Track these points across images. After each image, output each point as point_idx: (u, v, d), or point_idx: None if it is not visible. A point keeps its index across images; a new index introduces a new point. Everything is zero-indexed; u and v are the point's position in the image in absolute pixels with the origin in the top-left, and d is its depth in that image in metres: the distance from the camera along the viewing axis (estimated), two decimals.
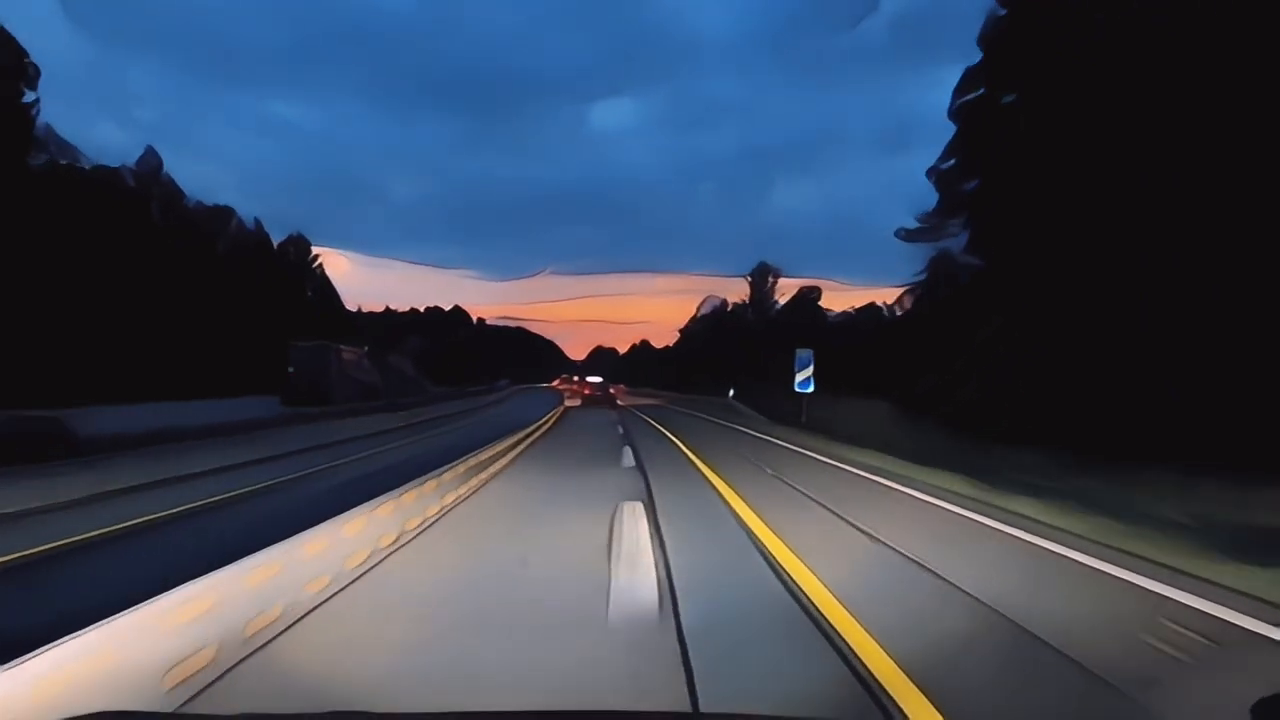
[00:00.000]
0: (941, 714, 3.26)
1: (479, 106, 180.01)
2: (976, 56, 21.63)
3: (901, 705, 3.34)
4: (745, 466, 13.47)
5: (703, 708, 3.47)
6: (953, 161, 23.80)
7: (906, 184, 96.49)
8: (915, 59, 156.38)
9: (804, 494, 10.10)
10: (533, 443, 17.57)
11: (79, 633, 2.81)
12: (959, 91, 22.57)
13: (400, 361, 49.43)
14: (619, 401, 44.15)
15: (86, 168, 56.13)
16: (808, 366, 25.97)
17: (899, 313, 50.38)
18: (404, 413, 28.08)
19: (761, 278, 59.98)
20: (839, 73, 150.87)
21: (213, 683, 3.50)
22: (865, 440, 18.04)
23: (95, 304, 44.92)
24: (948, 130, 23.72)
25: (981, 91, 21.88)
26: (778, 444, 18.13)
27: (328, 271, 77.11)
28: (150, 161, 61.39)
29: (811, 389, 25.92)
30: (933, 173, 25.09)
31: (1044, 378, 25.11)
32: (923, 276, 41.87)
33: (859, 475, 12.28)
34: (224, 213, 65.72)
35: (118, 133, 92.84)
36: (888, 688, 3.53)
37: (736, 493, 10.06)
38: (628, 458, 14.64)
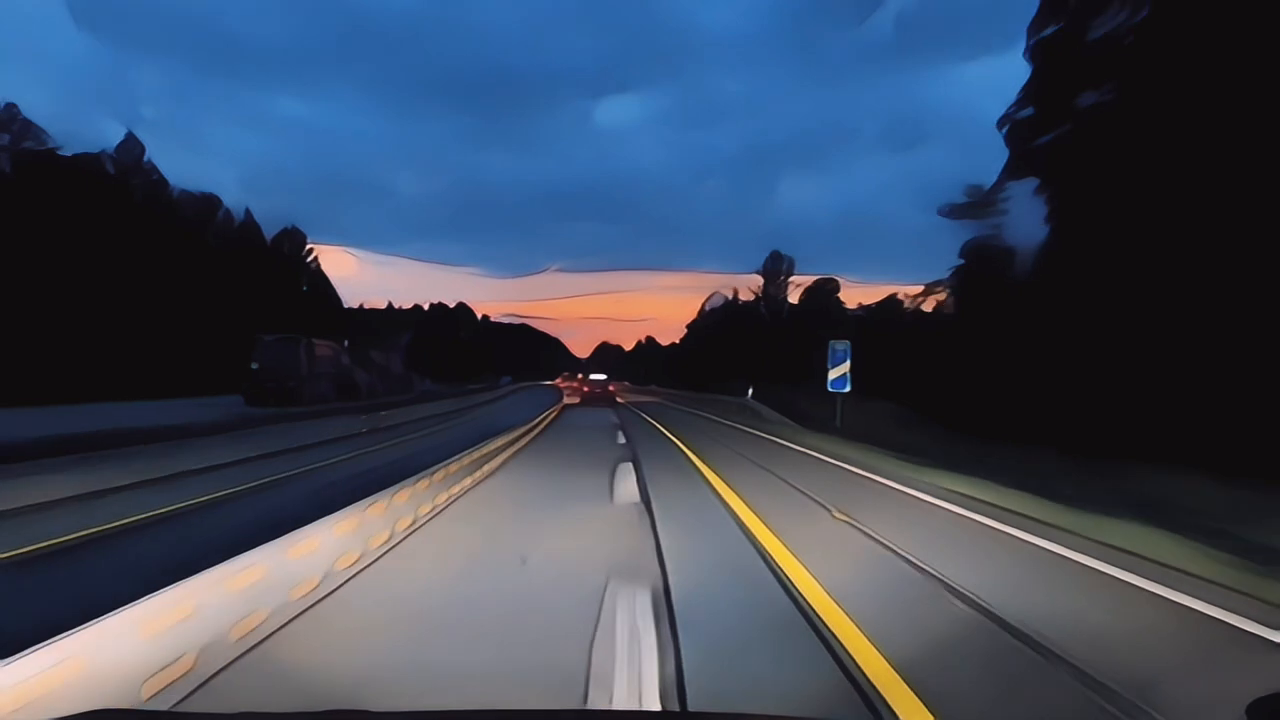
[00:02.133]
0: None
1: (485, 103, 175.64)
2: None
3: None
4: (799, 502, 9.07)
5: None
6: (1029, 110, 19.24)
7: (915, 180, 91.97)
8: (923, 55, 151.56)
9: (930, 574, 5.64)
10: (510, 457, 13.27)
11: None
12: (1036, 25, 18.09)
13: (387, 358, 45.09)
14: (619, 399, 42.53)
15: (57, 153, 52.35)
16: (844, 362, 21.52)
17: (923, 306, 45.88)
18: (370, 415, 23.70)
19: (774, 270, 55.14)
20: (846, 69, 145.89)
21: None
22: (932, 455, 13.62)
23: (66, 296, 40.99)
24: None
25: (1062, 25, 17.39)
26: (823, 460, 13.68)
27: (335, 268, 73.43)
28: (131, 148, 57.34)
29: (848, 388, 21.50)
30: (1005, 122, 20.55)
31: (1126, 373, 20.62)
32: (959, 263, 37.50)
33: (981, 524, 7.80)
34: (210, 201, 61.59)
35: (123, 130, 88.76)
36: None
37: (803, 564, 5.65)
38: (628, 486, 10.24)
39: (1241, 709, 1.54)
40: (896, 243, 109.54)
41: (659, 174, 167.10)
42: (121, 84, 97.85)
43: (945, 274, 43.89)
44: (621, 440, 17.36)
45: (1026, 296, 26.13)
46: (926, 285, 44.99)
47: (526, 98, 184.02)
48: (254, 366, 29.84)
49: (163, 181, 58.05)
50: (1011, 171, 21.01)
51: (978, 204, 24.88)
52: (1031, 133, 18.84)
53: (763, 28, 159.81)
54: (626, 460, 13.18)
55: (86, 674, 2.70)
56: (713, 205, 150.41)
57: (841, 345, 21.81)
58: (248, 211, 65.77)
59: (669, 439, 17.98)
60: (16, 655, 2.48)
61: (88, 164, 52.98)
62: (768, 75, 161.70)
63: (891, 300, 49.98)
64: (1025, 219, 23.19)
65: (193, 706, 3.16)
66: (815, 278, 60.82)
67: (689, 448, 15.51)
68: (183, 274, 49.69)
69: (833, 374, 21.51)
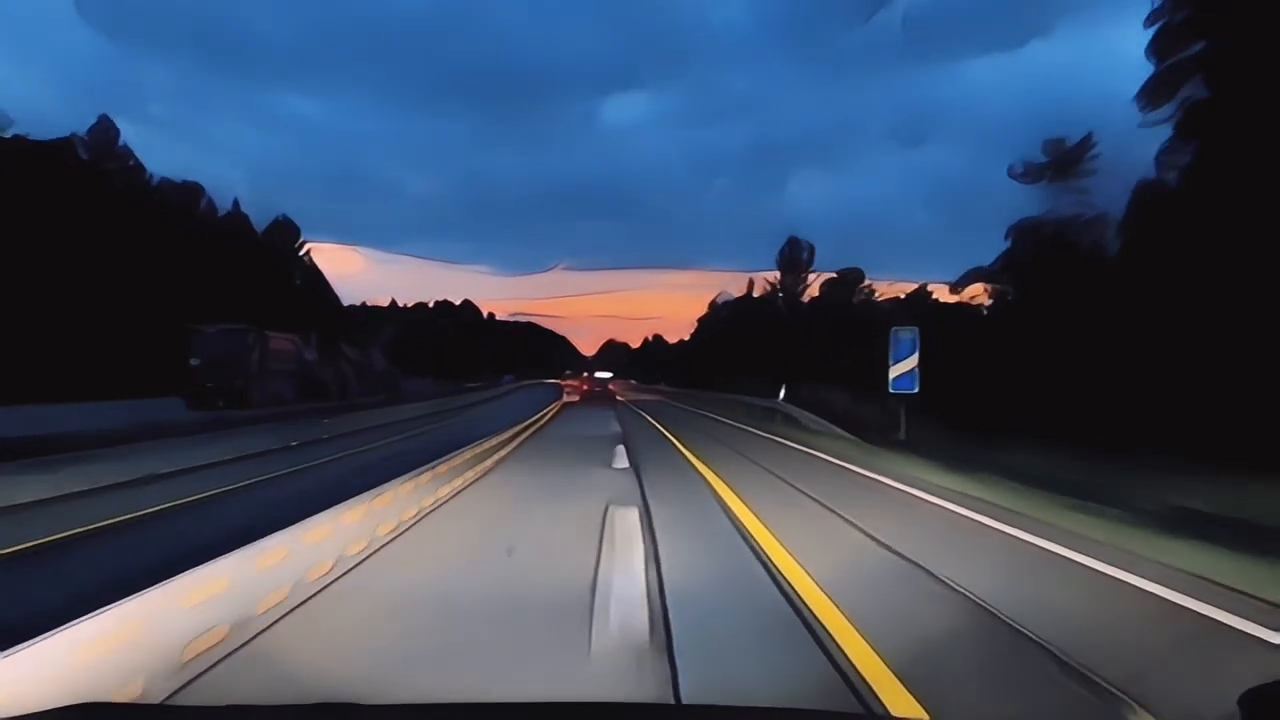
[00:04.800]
0: None
1: (492, 101, 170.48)
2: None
3: None
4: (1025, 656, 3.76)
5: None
6: (1183, 13, 13.76)
7: (926, 178, 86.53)
8: (931, 51, 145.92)
9: None
10: (445, 500, 8.13)
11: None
12: None
13: (366, 354, 39.85)
14: (626, 399, 40.91)
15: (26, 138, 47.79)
16: (910, 355, 16.22)
17: (961, 298, 40.49)
18: (304, 425, 18.50)
19: (793, 259, 49.11)
20: (854, 66, 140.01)
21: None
22: (1125, 504, 8.29)
23: (27, 289, 36.30)
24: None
25: None
26: (950, 513, 8.33)
27: (341, 266, 69.25)
28: (105, 131, 52.36)
29: (916, 389, 16.21)
30: (1156, 18, 15.02)
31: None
32: (1006, 247, 32.23)
33: None
34: (192, 190, 56.57)
35: (131, 129, 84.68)
36: None
37: None
38: (629, 589, 4.97)
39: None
40: (907, 240, 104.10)
41: (666, 172, 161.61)
42: (128, 81, 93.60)
43: (963, 266, 38.86)
44: (622, 463, 12.04)
45: (1116, 273, 20.81)
46: (966, 272, 39.64)
47: (534, 95, 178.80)
48: (193, 363, 24.71)
49: (139, 167, 53.04)
50: (1151, 94, 15.57)
51: (1061, 161, 19.55)
52: (1182, 39, 13.42)
53: (769, 25, 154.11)
54: (629, 505, 7.94)
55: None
56: (720, 203, 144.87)
57: (907, 333, 16.51)
58: (235, 202, 60.76)
59: (690, 462, 12.65)
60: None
61: (57, 148, 48.17)
62: (775, 73, 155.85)
63: (921, 292, 44.54)
64: (1121, 179, 17.77)
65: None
66: (829, 274, 55.26)
67: (725, 481, 10.18)
68: (160, 265, 44.80)
69: (895, 370, 16.20)
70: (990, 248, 34.29)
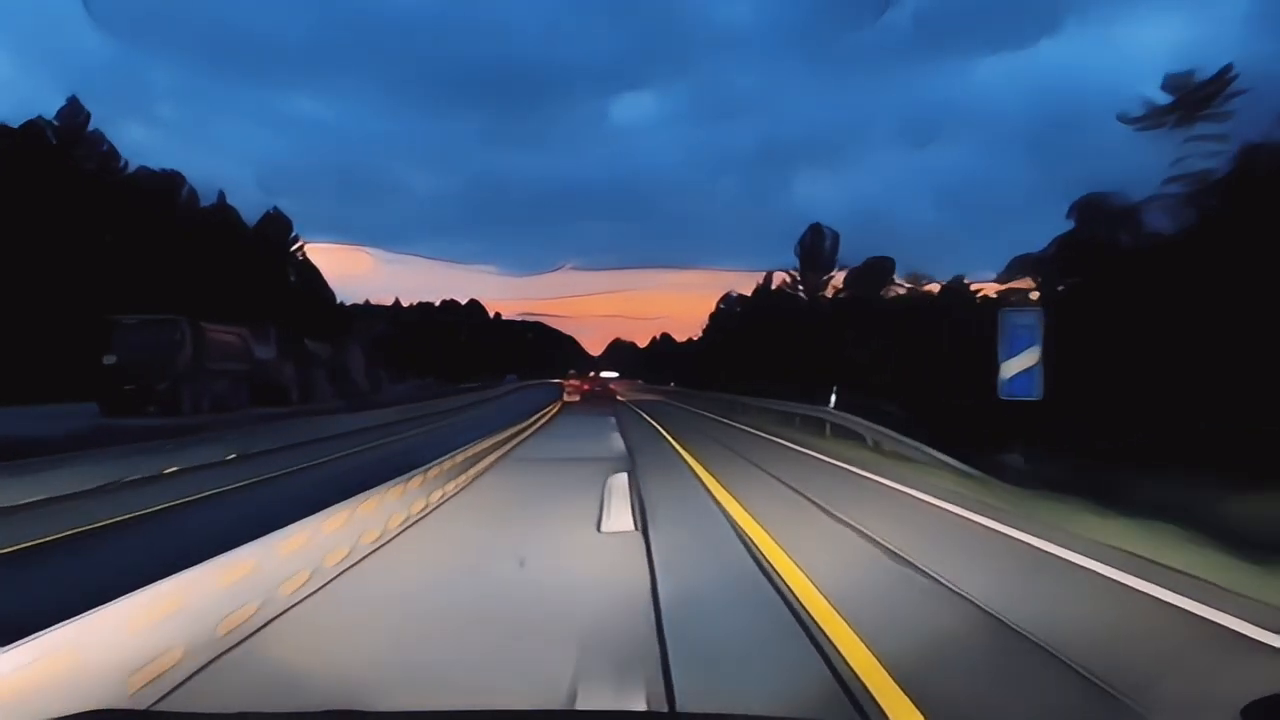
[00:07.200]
0: None
1: (499, 101, 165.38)
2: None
3: None
4: None
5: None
6: None
7: (935, 177, 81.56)
8: (941, 50, 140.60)
9: None
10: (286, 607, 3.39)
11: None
12: None
13: (340, 352, 35.04)
14: (629, 400, 38.09)
15: None
16: (1029, 347, 11.28)
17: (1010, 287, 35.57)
18: (176, 443, 13.70)
19: (814, 248, 43.58)
20: (863, 65, 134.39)
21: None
22: None
23: None
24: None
25: None
26: None
27: (347, 267, 65.41)
28: (74, 115, 47.83)
29: (1038, 394, 11.30)
30: None
31: None
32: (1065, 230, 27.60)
33: None
34: (172, 179, 52.02)
35: (138, 130, 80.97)
36: None
37: None
38: None
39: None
40: (916, 239, 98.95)
41: (674, 171, 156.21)
42: (138, 84, 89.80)
43: (975, 264, 34.23)
44: (622, 521, 7.15)
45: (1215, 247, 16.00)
46: (1011, 261, 34.80)
47: (541, 95, 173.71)
48: (106, 362, 19.96)
49: (114, 153, 48.46)
50: None
51: (1191, 99, 14.70)
52: None
53: (777, 23, 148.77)
54: (629, 669, 3.14)
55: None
56: (728, 202, 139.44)
57: (1025, 318, 11.61)
58: (221, 194, 56.22)
59: (734, 519, 7.76)
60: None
61: (22, 133, 43.76)
62: (783, 72, 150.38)
63: (959, 284, 39.51)
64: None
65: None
66: (849, 268, 50.03)
67: (824, 590, 5.31)
68: (133, 258, 40.30)
69: (1008, 369, 11.27)
70: (1006, 243, 29.73)
